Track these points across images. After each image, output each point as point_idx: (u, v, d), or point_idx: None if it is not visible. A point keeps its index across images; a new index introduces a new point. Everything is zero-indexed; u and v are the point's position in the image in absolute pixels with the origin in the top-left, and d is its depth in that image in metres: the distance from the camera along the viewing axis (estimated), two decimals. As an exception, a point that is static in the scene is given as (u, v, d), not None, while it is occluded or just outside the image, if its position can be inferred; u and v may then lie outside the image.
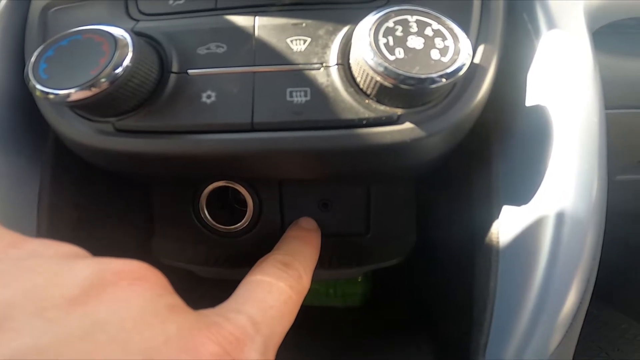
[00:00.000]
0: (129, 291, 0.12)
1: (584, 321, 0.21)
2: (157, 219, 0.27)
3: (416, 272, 0.31)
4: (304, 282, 0.18)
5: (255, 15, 0.20)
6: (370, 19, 0.18)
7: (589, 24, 0.24)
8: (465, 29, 0.20)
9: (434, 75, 0.16)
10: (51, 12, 0.23)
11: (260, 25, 0.20)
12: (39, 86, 0.17)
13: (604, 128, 0.20)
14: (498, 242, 0.21)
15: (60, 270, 0.11)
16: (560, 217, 0.19)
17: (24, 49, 0.23)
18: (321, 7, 0.20)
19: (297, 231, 0.23)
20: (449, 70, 0.17)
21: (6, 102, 0.21)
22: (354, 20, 0.20)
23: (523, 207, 0.20)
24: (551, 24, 0.22)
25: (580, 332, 0.22)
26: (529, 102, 0.21)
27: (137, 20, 0.21)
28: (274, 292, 0.16)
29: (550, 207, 0.19)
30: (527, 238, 0.20)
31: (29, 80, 0.17)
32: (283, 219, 0.28)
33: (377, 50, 0.17)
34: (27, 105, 0.22)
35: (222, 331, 0.13)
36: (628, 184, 0.42)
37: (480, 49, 0.20)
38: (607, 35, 0.32)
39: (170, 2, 0.21)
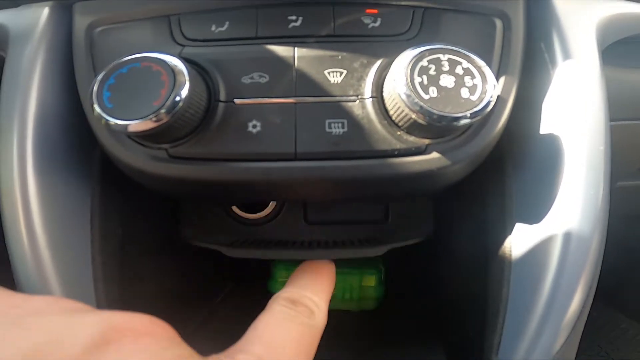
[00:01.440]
0: (133, 348, 0.12)
1: (591, 326, 0.25)
2: (184, 209, 0.30)
3: (430, 278, 0.35)
4: (318, 316, 0.18)
5: (294, 46, 0.23)
6: (406, 58, 0.20)
7: (601, 43, 0.28)
8: (488, 61, 0.23)
9: (463, 114, 0.19)
10: (97, 32, 0.25)
11: (299, 56, 0.22)
12: (105, 116, 0.19)
13: (609, 154, 0.24)
14: (511, 254, 0.24)
15: (62, 329, 0.11)
16: (567, 235, 0.22)
17: (68, 66, 0.25)
18: (356, 39, 0.23)
19: (307, 264, 0.23)
20: (477, 108, 0.20)
21: (56, 122, 0.24)
22: (387, 53, 0.22)
23: (534, 225, 0.24)
24: (566, 54, 0.25)
25: (581, 332, 0.26)
26: (542, 128, 0.24)
27: (183, 46, 0.23)
28: (284, 331, 0.16)
29: (559, 226, 0.22)
30: (538, 252, 0.23)
31: (95, 110, 0.19)
32: (305, 207, 0.31)
33: (413, 89, 0.19)
34: (74, 123, 0.24)
35: None
36: (628, 189, 0.47)
37: (501, 80, 0.23)
38: (614, 45, 0.36)
39: (213, 28, 0.24)
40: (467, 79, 0.20)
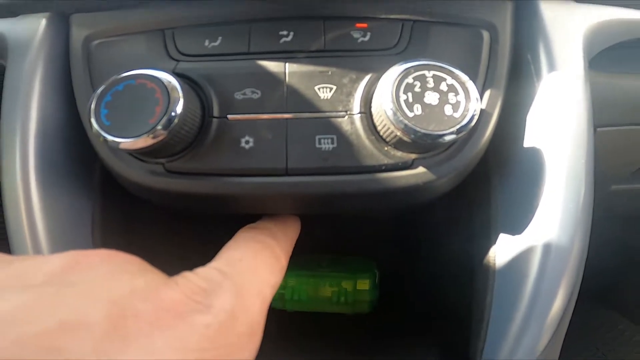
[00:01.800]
0: (100, 262, 0.14)
1: (581, 322, 0.26)
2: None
3: (421, 285, 0.37)
4: (280, 241, 0.19)
5: (285, 62, 0.24)
6: (392, 75, 0.21)
7: (589, 51, 0.29)
8: (474, 74, 0.24)
9: (447, 132, 0.21)
10: (94, 45, 0.26)
11: (290, 72, 0.24)
12: (103, 133, 0.20)
13: (591, 164, 0.25)
14: (495, 264, 0.26)
15: (40, 260, 0.14)
16: (547, 246, 0.24)
17: (66, 78, 0.26)
18: (346, 54, 0.24)
19: (272, 216, 0.24)
20: (459, 125, 0.21)
21: (57, 134, 0.25)
22: (375, 68, 0.23)
23: (517, 236, 0.25)
24: (551, 66, 0.26)
25: (578, 333, 0.27)
26: (526, 142, 0.25)
27: (177, 61, 0.24)
28: (241, 247, 0.18)
29: (540, 236, 0.24)
30: (520, 261, 0.25)
31: (93, 127, 0.20)
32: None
33: (398, 108, 0.21)
34: (74, 135, 0.26)
35: (189, 283, 0.14)
36: (622, 192, 0.49)
37: (487, 94, 0.25)
38: (607, 50, 0.37)
39: (206, 43, 0.25)
40: (450, 95, 0.22)
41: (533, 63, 0.26)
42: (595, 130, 0.40)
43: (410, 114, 0.21)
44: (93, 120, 0.21)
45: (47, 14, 0.28)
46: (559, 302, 0.24)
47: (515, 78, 0.26)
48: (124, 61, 0.25)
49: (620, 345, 0.66)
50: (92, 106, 0.21)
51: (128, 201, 0.26)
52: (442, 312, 0.33)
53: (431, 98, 0.22)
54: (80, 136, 0.26)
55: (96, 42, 0.26)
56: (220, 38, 0.25)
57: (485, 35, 0.26)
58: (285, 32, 0.25)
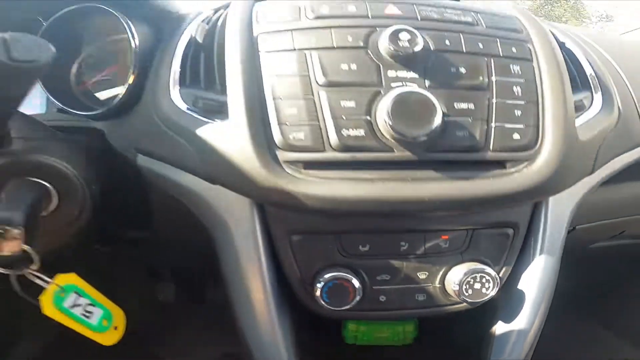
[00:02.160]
0: None
1: (574, 338, 0.53)
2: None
3: (448, 328, 0.68)
4: None
5: (403, 262, 0.49)
6: (459, 274, 0.48)
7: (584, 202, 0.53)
8: (498, 263, 0.50)
9: (481, 301, 0.48)
10: (294, 241, 0.49)
11: (405, 266, 0.49)
12: (328, 307, 0.48)
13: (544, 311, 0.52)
14: (494, 336, 0.55)
15: None
16: (519, 331, 0.53)
17: (273, 255, 0.50)
18: (435, 255, 0.49)
19: None
20: (487, 297, 0.48)
21: (277, 289, 0.52)
22: (450, 263, 0.49)
23: (505, 330, 0.54)
24: (542, 249, 0.51)
25: (571, 349, 0.54)
26: (515, 290, 0.52)
27: (345, 258, 0.49)
28: None
29: (514, 326, 0.52)
30: (505, 339, 0.54)
31: (322, 305, 0.49)
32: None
33: (461, 292, 0.47)
34: (287, 290, 0.53)
35: None
36: (599, 248, 0.75)
37: (502, 270, 0.51)
38: None
39: (360, 248, 0.49)
40: (485, 283, 0.48)
41: (533, 247, 0.51)
42: (575, 228, 0.64)
43: (466, 295, 0.48)
44: (322, 302, 0.49)
45: (247, 199, 0.52)
46: (531, 335, 0.54)
47: (521, 257, 0.51)
48: (317, 257, 0.51)
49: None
50: (318, 293, 0.49)
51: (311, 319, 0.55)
52: (461, 344, 0.64)
53: (477, 286, 0.48)
54: (286, 289, 0.52)
55: (295, 238, 0.50)
56: (368, 245, 0.50)
57: (510, 233, 0.50)
58: (403, 244, 0.50)
